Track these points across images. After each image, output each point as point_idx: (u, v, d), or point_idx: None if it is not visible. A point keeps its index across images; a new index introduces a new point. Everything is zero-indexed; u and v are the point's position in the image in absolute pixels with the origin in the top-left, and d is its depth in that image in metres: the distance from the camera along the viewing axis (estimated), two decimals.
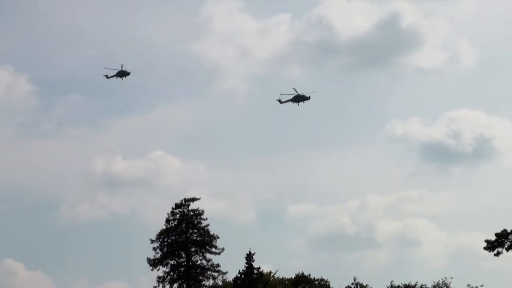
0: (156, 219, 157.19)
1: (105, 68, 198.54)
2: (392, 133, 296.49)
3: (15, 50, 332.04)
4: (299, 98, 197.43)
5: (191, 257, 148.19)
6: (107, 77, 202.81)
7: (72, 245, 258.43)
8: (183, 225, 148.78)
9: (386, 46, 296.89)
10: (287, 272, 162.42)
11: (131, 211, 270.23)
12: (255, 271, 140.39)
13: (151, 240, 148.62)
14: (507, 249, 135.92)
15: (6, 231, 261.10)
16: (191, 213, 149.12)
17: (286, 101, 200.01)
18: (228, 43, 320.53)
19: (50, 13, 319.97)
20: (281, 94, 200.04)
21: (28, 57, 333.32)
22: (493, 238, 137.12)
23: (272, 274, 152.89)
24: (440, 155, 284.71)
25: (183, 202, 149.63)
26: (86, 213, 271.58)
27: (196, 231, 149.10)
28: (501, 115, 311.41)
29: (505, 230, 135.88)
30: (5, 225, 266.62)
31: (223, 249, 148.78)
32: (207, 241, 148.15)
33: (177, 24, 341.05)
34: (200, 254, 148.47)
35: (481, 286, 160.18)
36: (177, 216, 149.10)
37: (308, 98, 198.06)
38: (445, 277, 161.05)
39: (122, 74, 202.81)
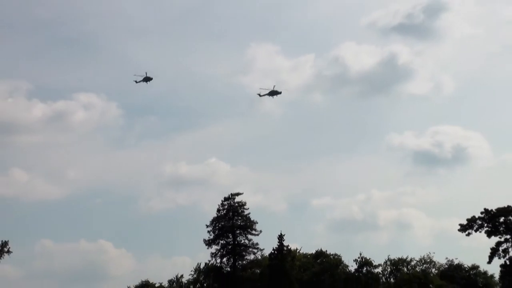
0: (211, 210, 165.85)
1: (134, 75, 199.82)
2: (390, 143, 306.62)
3: (108, 83, 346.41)
4: (273, 93, 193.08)
5: (237, 238, 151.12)
6: (136, 82, 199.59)
7: (147, 229, 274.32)
8: (230, 213, 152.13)
9: (386, 78, 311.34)
10: (309, 249, 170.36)
11: (192, 204, 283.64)
12: (285, 248, 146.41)
13: (206, 225, 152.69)
14: (475, 231, 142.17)
15: (99, 218, 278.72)
16: (236, 204, 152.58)
17: (264, 95, 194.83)
18: (266, 76, 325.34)
19: (132, 54, 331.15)
20: (260, 88, 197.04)
21: (117, 88, 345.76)
22: (465, 222, 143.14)
23: (298, 250, 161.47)
24: (427, 160, 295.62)
25: (230, 196, 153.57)
26: (158, 205, 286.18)
27: (240, 218, 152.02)
28: (473, 130, 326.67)
29: (474, 216, 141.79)
30: (98, 214, 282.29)
31: (261, 231, 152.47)
32: (248, 225, 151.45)
33: (228, 62, 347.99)
34: (243, 235, 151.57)
35: (456, 258, 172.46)
36: (226, 207, 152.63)
37: (280, 93, 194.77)
38: (429, 252, 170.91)
39: (147, 79, 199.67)
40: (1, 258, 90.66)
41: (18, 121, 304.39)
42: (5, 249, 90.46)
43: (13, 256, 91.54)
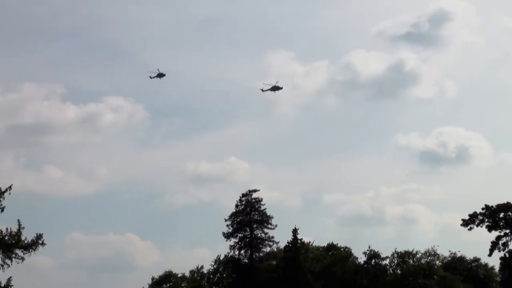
0: (229, 205, 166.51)
1: (148, 71, 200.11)
2: (398, 143, 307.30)
3: (135, 87, 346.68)
4: (275, 88, 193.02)
5: (253, 231, 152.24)
6: (150, 77, 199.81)
7: (171, 223, 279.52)
8: (248, 209, 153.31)
9: (394, 82, 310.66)
10: (322, 242, 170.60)
11: (212, 199, 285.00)
12: (299, 241, 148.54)
13: (225, 219, 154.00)
14: (477, 226, 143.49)
15: (126, 213, 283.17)
16: (253, 200, 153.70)
17: (267, 90, 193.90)
18: (282, 81, 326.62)
19: (157, 60, 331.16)
20: (263, 84, 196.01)
21: (144, 92, 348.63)
22: (467, 217, 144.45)
23: (310, 243, 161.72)
24: (432, 159, 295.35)
25: (248, 192, 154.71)
26: (181, 200, 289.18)
27: (257, 213, 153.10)
28: (475, 131, 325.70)
29: (475, 212, 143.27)
30: (126, 209, 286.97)
31: (276, 225, 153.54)
32: (265, 220, 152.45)
33: (247, 68, 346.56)
34: (260, 229, 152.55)
35: (458, 251, 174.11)
36: (243, 202, 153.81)
37: (281, 88, 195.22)
38: (434, 245, 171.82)
39: (160, 75, 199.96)
40: (36, 249, 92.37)
41: (53, 122, 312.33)
42: (40, 241, 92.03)
43: (47, 248, 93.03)
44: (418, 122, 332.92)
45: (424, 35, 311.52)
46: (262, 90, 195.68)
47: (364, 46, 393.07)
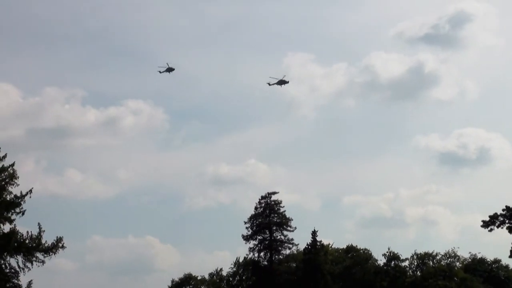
0: (249, 207, 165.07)
1: (158, 66, 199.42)
2: (417, 144, 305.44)
3: (155, 90, 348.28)
4: (281, 82, 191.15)
5: (273, 234, 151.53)
6: (160, 72, 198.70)
7: (191, 225, 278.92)
8: (267, 211, 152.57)
9: (414, 84, 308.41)
10: (341, 243, 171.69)
11: (232, 202, 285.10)
12: (318, 243, 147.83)
13: (244, 222, 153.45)
14: (497, 227, 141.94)
15: (146, 215, 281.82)
16: (273, 202, 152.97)
17: (273, 84, 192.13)
18: (302, 83, 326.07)
19: (177, 64, 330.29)
20: (270, 77, 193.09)
21: (163, 95, 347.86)
22: (487, 219, 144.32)
23: (330, 245, 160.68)
24: (452, 160, 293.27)
25: (267, 195, 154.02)
26: (201, 203, 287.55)
27: (276, 215, 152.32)
28: (496, 132, 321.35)
29: (496, 213, 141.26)
30: (146, 212, 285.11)
31: (295, 228, 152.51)
32: (284, 222, 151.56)
33: (266, 70, 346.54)
34: (279, 231, 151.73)
35: (479, 253, 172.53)
36: (263, 205, 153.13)
37: (288, 82, 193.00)
38: (454, 247, 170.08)
39: (170, 70, 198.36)
40: (56, 252, 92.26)
41: (74, 125, 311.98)
42: (60, 244, 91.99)
43: (68, 251, 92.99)
44: (437, 124, 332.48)
45: (443, 36, 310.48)
46: (269, 84, 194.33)
47: (383, 48, 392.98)
